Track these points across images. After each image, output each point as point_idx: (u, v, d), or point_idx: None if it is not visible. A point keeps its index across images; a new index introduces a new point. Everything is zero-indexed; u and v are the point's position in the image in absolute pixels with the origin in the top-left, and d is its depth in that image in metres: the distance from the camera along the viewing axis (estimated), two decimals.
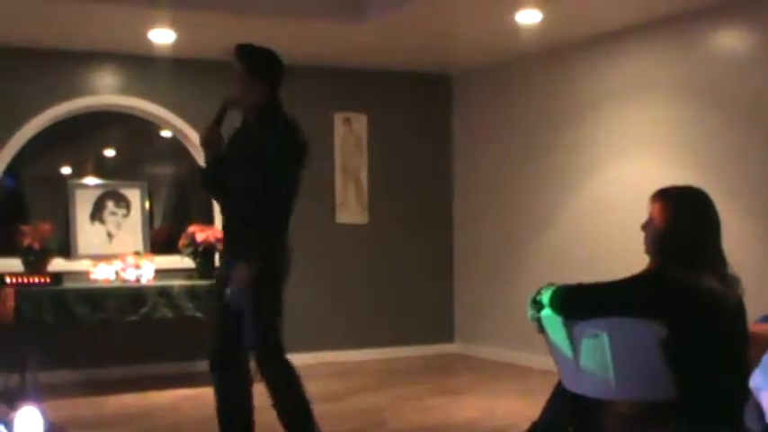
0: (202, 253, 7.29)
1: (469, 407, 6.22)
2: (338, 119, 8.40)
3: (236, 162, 4.23)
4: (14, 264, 6.99)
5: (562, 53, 7.57)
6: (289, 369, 4.30)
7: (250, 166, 4.15)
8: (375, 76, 8.44)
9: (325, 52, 7.73)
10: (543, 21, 6.67)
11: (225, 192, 4.34)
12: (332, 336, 8.25)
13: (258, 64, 4.23)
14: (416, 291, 8.62)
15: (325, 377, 7.42)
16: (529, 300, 3.29)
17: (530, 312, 3.29)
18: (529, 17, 6.59)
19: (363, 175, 8.48)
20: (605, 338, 3.07)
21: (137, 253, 7.34)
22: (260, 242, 4.14)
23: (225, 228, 4.48)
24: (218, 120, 4.27)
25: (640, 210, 3.47)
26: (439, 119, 8.83)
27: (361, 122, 8.49)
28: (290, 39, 7.16)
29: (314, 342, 8.12)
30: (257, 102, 4.21)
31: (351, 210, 8.43)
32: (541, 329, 3.30)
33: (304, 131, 4.30)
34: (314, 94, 8.18)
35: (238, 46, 4.25)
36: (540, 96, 7.88)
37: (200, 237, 7.27)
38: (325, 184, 8.31)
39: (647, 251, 3.28)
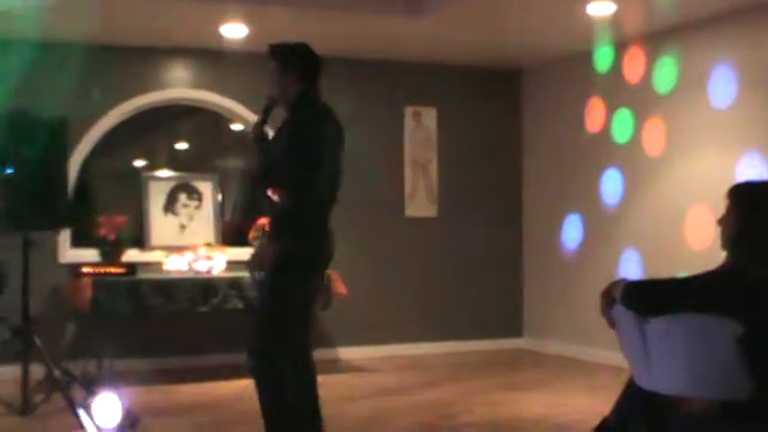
0: None
1: (538, 402, 6.19)
2: (408, 113, 8.42)
3: (275, 155, 4.28)
4: (91, 254, 7.16)
5: (635, 45, 7.48)
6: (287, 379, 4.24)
7: (282, 155, 4.20)
8: (445, 70, 8.44)
9: (393, 47, 7.74)
10: (617, 12, 6.59)
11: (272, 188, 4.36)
12: (401, 329, 8.27)
13: (289, 59, 4.30)
14: (485, 285, 8.60)
15: (394, 370, 7.45)
16: (600, 295, 3.26)
17: (601, 308, 3.26)
18: (602, 9, 6.52)
19: (433, 168, 8.48)
20: (678, 335, 3.03)
21: (208, 244, 7.45)
22: (285, 226, 4.16)
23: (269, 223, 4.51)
24: (264, 118, 4.38)
25: (718, 203, 3.41)
26: (509, 112, 8.79)
27: (430, 116, 8.49)
28: (359, 33, 7.22)
29: (384, 335, 8.17)
30: (292, 95, 4.27)
31: (420, 203, 8.44)
32: (613, 325, 3.27)
33: (340, 120, 4.29)
34: (384, 89, 8.24)
35: (270, 45, 4.35)
36: (611, 89, 7.79)
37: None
38: (395, 177, 8.34)
39: (723, 246, 3.23)
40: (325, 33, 7.24)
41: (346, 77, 8.05)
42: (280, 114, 4.38)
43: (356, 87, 8.10)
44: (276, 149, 4.29)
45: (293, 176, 4.13)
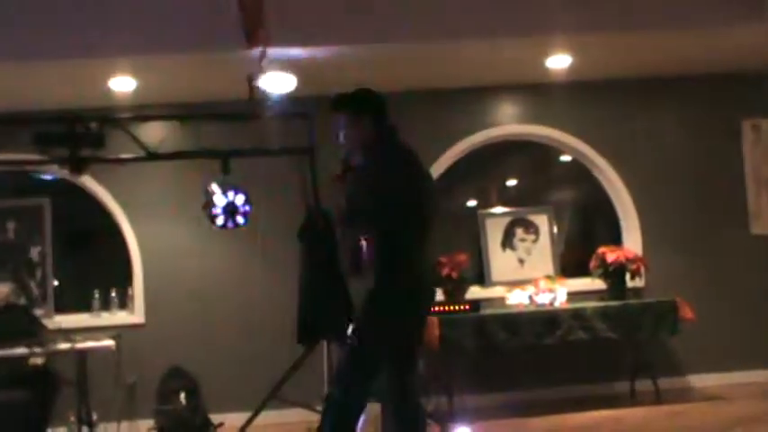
0: (613, 273, 7.27)
1: None
2: (746, 126, 8.01)
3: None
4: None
5: None
6: None
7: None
8: None
9: (728, 57, 7.38)
10: None
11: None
12: (755, 354, 7.79)
13: (359, 109, 4.23)
14: None
15: (752, 398, 7.06)
16: None
17: None
18: None
19: None
20: None
21: (548, 277, 7.49)
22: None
23: None
24: (343, 174, 4.28)
25: None
26: None
27: None
28: (691, 48, 6.99)
29: (737, 361, 7.74)
30: (369, 141, 4.20)
31: (767, 220, 7.98)
32: None
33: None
34: (718, 103, 7.92)
35: (333, 101, 4.28)
36: None
37: (610, 257, 7.26)
38: (736, 194, 7.95)
39: None
40: (649, 55, 7.10)
41: (675, 96, 7.82)
42: None
43: (688, 105, 7.84)
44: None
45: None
